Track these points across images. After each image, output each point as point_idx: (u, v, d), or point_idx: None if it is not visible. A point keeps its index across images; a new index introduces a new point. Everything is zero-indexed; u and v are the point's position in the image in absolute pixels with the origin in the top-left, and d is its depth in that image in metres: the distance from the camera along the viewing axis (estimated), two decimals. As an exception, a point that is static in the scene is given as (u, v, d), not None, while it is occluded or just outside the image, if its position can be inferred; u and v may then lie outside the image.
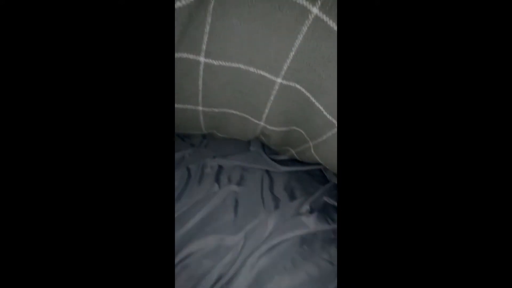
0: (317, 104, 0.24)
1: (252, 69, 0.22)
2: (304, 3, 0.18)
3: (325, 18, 0.19)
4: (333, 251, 0.28)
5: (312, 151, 0.29)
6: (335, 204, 0.31)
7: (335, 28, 0.19)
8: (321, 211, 0.30)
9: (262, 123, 0.29)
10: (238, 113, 0.28)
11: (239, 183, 0.32)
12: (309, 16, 0.19)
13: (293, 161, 0.36)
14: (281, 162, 0.35)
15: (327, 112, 0.23)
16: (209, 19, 0.19)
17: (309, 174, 0.35)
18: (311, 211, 0.30)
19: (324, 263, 0.26)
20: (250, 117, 0.28)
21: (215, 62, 0.22)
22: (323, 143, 0.27)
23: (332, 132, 0.25)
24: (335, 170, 0.32)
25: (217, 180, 0.31)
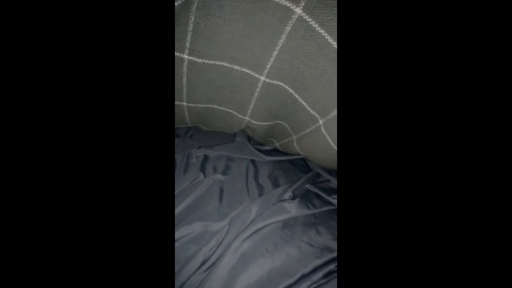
0: (300, 100, 0.24)
1: (236, 67, 0.22)
2: (288, 3, 0.18)
3: (308, 18, 0.19)
4: (313, 234, 0.29)
5: (295, 144, 0.30)
6: (317, 191, 0.32)
7: (318, 28, 0.19)
8: (303, 197, 0.31)
9: (247, 118, 0.29)
10: (223, 108, 0.28)
11: (224, 172, 0.32)
12: (293, 16, 0.19)
13: (277, 151, 0.36)
14: (266, 152, 0.35)
15: (310, 107, 0.24)
16: (192, 18, 0.19)
17: (292, 164, 0.36)
18: (293, 197, 0.31)
19: (304, 245, 0.28)
20: (235, 112, 0.28)
21: (199, 60, 0.22)
22: (306, 136, 0.27)
23: (316, 126, 0.25)
24: (317, 162, 0.33)
25: (203, 169, 0.32)
